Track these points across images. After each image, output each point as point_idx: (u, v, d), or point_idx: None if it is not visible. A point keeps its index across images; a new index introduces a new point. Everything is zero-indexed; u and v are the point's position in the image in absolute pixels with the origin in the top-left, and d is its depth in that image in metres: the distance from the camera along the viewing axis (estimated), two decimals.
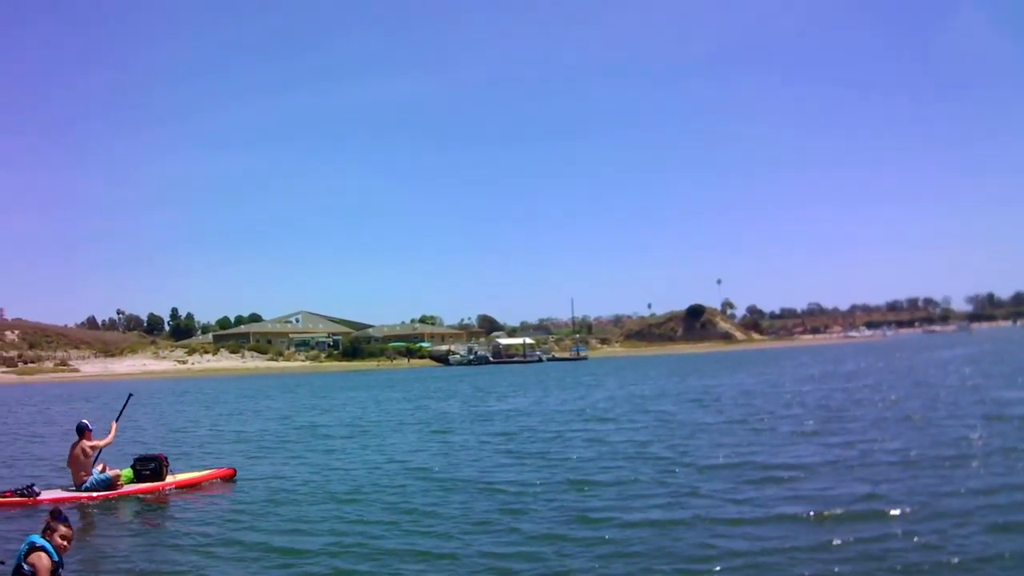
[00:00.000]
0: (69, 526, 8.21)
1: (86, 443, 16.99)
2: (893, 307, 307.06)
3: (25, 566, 7.64)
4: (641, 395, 42.39)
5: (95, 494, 16.74)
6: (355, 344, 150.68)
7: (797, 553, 10.69)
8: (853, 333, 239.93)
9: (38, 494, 16.25)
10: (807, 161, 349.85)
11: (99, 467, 17.23)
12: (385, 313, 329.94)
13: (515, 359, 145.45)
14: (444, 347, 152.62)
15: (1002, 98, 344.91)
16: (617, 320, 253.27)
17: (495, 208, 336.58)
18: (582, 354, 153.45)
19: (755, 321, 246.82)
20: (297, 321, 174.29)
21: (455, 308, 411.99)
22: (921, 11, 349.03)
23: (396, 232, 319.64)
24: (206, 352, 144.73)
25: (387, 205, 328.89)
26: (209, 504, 16.24)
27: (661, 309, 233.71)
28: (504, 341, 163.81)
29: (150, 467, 17.71)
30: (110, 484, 17.02)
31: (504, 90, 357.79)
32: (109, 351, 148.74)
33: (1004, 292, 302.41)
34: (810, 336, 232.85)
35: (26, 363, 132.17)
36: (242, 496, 16.82)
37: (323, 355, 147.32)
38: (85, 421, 17.41)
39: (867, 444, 19.76)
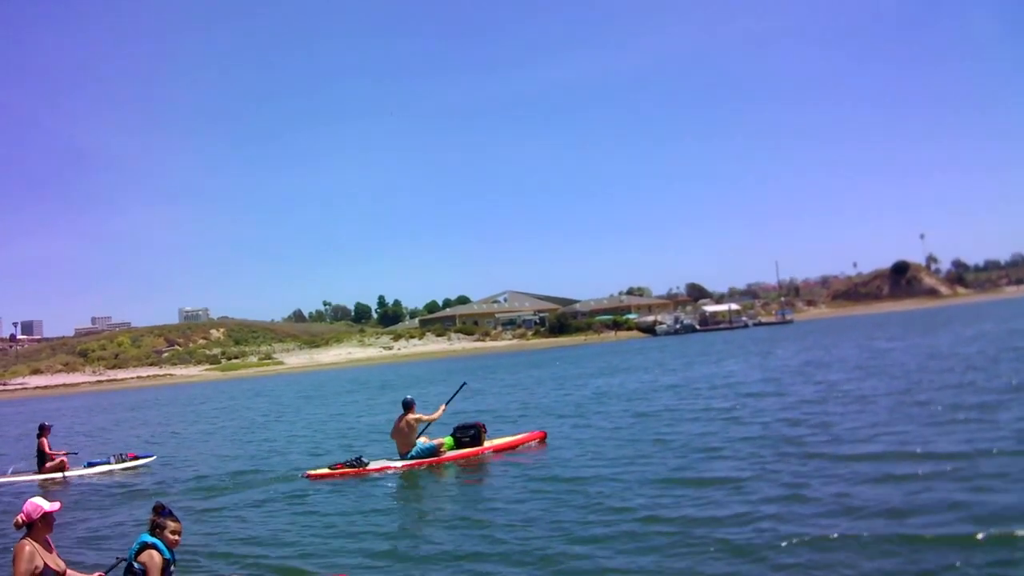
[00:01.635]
0: (177, 519, 8.13)
1: (411, 416, 18.54)
2: None
3: (136, 564, 7.74)
4: (818, 362, 40.36)
5: (419, 461, 18.30)
6: (561, 320, 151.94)
7: None
8: None
9: (367, 464, 18.00)
10: (1004, 109, 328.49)
11: (422, 438, 18.74)
12: (593, 287, 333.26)
13: (721, 326, 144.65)
14: (651, 318, 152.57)
15: None
16: (824, 281, 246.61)
17: (699, 175, 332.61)
18: (787, 318, 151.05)
19: (960, 275, 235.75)
20: (504, 301, 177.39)
21: (663, 278, 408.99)
22: None
23: (603, 206, 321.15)
24: (412, 337, 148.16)
25: (593, 179, 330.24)
26: (528, 464, 17.47)
27: (866, 267, 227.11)
28: (710, 308, 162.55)
29: (469, 434, 19.24)
30: (434, 451, 18.49)
31: (702, 57, 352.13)
32: (315, 342, 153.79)
33: None
34: (1014, 288, 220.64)
35: (229, 359, 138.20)
36: (557, 456, 18.03)
37: (529, 333, 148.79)
38: (410, 396, 19.09)
39: None
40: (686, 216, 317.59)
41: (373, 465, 18.12)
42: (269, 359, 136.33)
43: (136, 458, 23.07)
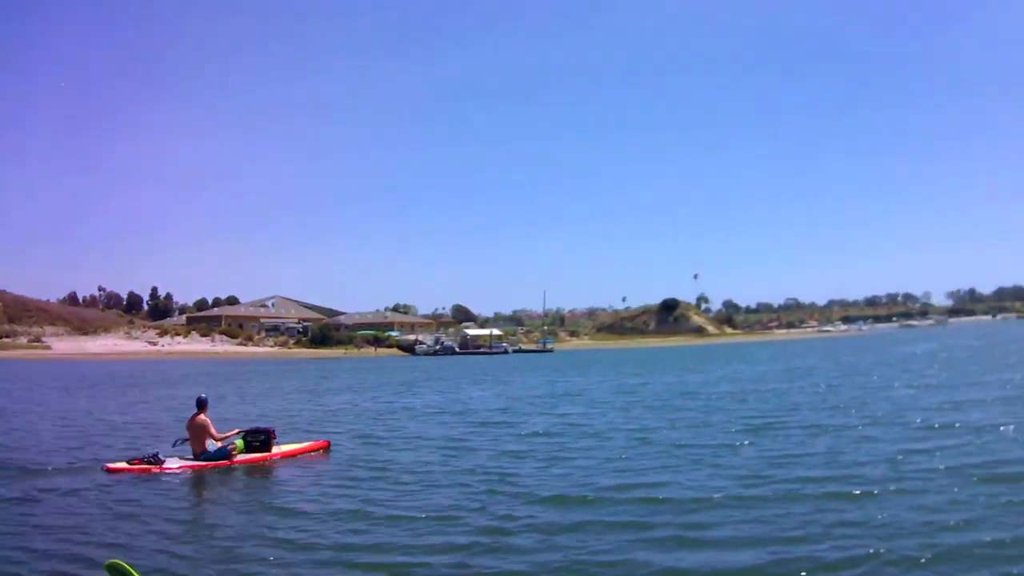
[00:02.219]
0: None
1: (201, 416, 18.62)
2: (872, 302, 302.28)
3: None
4: (563, 393, 40.49)
5: (212, 463, 18.30)
6: (324, 331, 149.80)
7: None
8: (828, 328, 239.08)
9: (163, 462, 17.86)
10: (786, 154, 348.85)
11: (215, 444, 18.76)
12: (363, 300, 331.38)
13: (481, 350, 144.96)
14: (412, 337, 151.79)
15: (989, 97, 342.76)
16: (591, 313, 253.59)
17: (473, 198, 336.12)
18: (548, 347, 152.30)
19: (729, 316, 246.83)
20: (272, 306, 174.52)
21: (431, 298, 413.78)
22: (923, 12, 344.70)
23: (382, 217, 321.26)
24: (178, 334, 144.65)
25: (372, 186, 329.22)
26: (312, 472, 18.11)
27: (637, 303, 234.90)
28: (472, 332, 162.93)
29: (260, 439, 19.46)
30: (226, 454, 18.64)
31: (483, 88, 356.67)
32: (84, 328, 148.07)
33: (986, 288, 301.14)
34: (784, 331, 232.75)
35: (1, 338, 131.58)
36: (338, 465, 18.76)
37: (292, 341, 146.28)
38: (204, 395, 19.27)
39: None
40: (455, 237, 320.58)
41: (168, 464, 18.00)
42: (38, 342, 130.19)
43: None
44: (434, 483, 15.98)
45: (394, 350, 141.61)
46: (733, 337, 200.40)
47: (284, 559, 10.93)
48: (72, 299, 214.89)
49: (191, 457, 18.45)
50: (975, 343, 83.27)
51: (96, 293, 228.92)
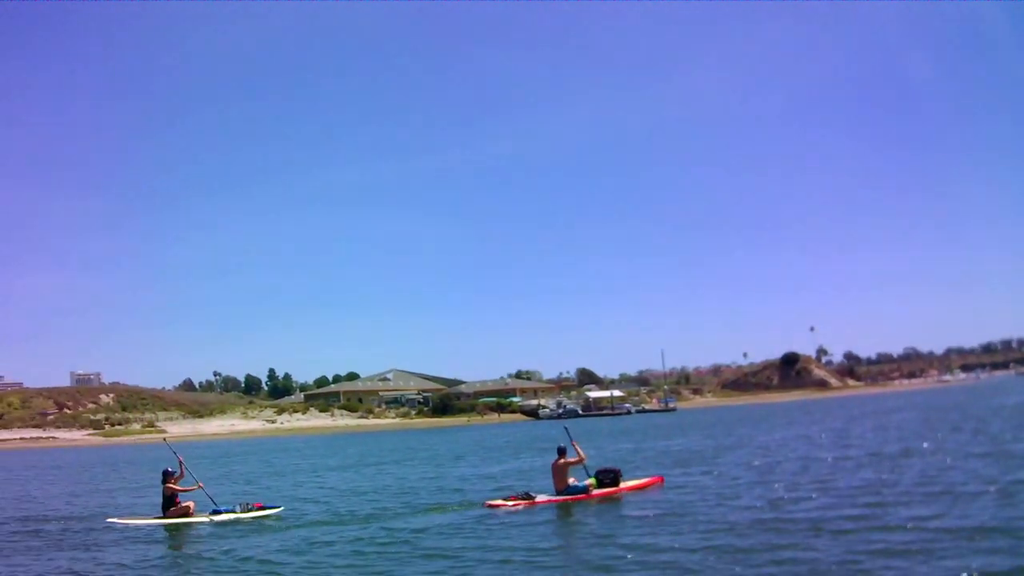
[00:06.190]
0: None
1: (563, 460, 22.86)
2: (988, 349, 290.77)
3: None
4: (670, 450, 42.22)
5: (572, 497, 22.40)
6: (444, 401, 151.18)
7: None
8: (947, 377, 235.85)
9: (534, 498, 22.09)
10: (896, 203, 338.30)
11: (571, 479, 22.93)
12: (483, 368, 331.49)
13: (604, 412, 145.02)
14: (534, 402, 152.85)
15: None
16: (715, 369, 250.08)
17: (593, 259, 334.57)
18: (671, 406, 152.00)
19: (851, 367, 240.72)
20: (391, 379, 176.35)
21: (554, 362, 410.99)
22: None
23: (501, 285, 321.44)
24: (295, 411, 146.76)
25: (491, 257, 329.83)
26: (650, 503, 21.34)
27: (758, 357, 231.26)
28: (594, 394, 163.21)
29: (610, 476, 23.64)
30: (585, 489, 22.74)
31: (595, 147, 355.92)
32: (200, 412, 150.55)
33: None
34: (906, 381, 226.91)
35: (113, 425, 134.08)
36: (674, 497, 22.32)
37: (413, 412, 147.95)
38: (562, 445, 23.14)
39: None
40: (585, 298, 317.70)
41: (540, 498, 22.18)
42: (152, 427, 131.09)
43: (263, 508, 23.62)
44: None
45: (517, 416, 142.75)
46: (855, 390, 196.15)
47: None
48: (187, 385, 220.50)
49: (555, 493, 22.49)
50: None
51: (212, 378, 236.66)
